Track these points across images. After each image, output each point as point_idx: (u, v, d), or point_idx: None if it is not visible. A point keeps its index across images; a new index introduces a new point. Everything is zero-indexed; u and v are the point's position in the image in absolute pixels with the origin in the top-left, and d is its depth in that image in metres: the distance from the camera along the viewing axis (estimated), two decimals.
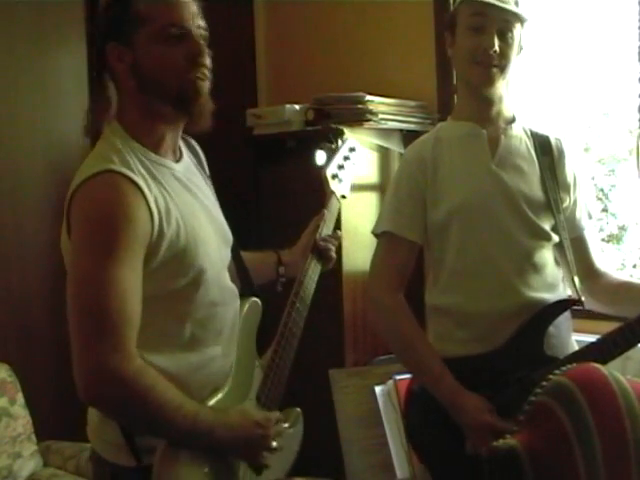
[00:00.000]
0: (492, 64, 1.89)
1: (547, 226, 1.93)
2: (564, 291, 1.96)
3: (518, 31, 1.92)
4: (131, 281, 1.41)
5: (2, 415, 2.77)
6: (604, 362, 1.70)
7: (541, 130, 2.04)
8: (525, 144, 1.98)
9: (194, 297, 1.53)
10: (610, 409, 1.38)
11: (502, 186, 1.91)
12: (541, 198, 1.93)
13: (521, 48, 1.96)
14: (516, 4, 1.93)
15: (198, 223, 1.55)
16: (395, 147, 3.20)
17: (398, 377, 2.56)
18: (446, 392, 1.85)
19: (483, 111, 1.96)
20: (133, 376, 1.39)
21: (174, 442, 1.45)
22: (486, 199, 1.90)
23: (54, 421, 3.06)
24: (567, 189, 1.99)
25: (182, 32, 1.50)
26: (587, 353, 1.79)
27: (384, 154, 3.20)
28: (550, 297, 1.90)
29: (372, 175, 3.14)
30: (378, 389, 2.60)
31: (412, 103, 3.21)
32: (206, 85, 1.54)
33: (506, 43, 1.90)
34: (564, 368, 1.59)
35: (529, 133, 2.01)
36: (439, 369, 1.87)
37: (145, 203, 1.44)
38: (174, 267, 1.49)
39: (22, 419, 2.83)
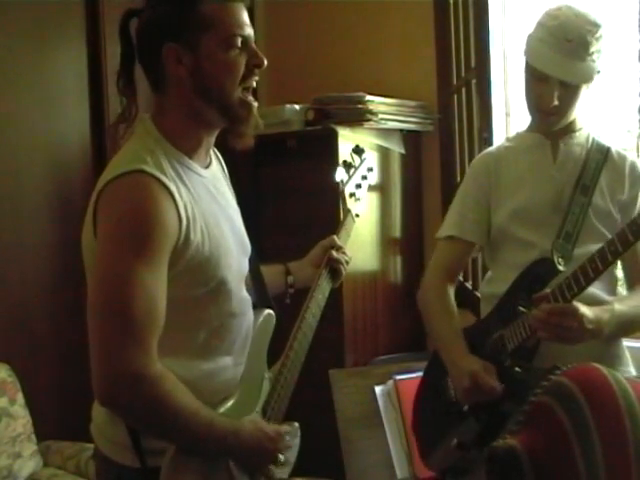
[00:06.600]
0: (551, 113, 1.95)
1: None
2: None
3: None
4: (158, 285, 1.40)
5: (2, 415, 2.77)
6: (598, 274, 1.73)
7: (606, 141, 2.07)
8: (585, 151, 2.02)
9: (211, 306, 1.52)
10: (610, 409, 1.38)
11: (560, 190, 1.98)
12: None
13: (598, 72, 1.95)
14: (593, 55, 1.89)
15: (221, 233, 1.53)
16: (395, 147, 3.20)
17: (398, 377, 2.57)
18: (452, 355, 2.01)
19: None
20: (155, 380, 1.38)
21: (184, 447, 1.44)
22: (545, 202, 1.99)
23: (54, 421, 3.06)
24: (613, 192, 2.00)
25: (243, 40, 1.49)
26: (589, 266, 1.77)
27: (384, 154, 3.20)
28: (598, 292, 1.92)
29: (372, 175, 3.14)
30: (378, 389, 2.60)
31: (412, 103, 3.21)
32: (253, 102, 1.53)
33: (569, 91, 1.92)
34: (564, 368, 1.58)
35: (591, 141, 2.05)
36: (452, 337, 2.03)
37: (175, 208, 1.42)
38: (196, 276, 1.48)
39: (22, 419, 2.83)
